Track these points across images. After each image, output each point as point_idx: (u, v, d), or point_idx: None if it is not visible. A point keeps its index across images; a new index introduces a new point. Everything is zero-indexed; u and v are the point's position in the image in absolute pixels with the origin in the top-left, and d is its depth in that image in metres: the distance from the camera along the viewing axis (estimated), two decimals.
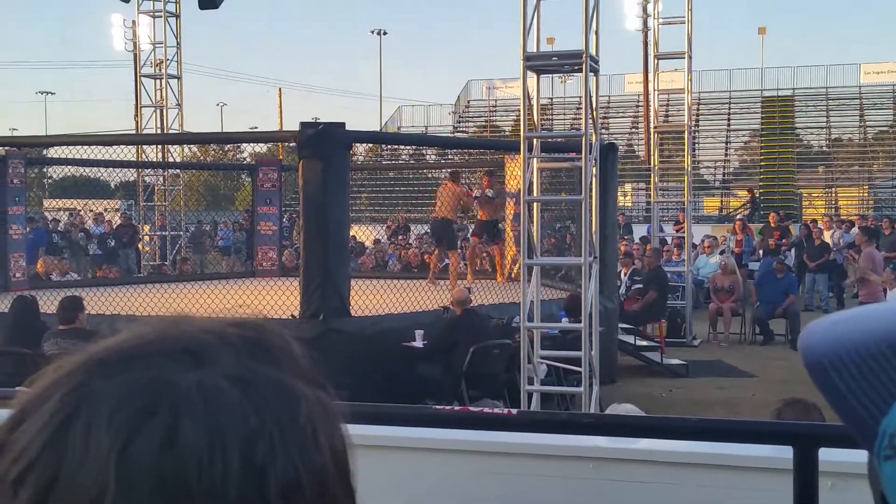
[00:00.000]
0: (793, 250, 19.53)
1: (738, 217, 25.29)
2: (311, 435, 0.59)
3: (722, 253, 17.90)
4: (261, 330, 0.64)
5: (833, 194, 36.24)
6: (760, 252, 19.73)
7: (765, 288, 14.78)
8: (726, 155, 40.79)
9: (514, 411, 3.64)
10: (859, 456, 0.91)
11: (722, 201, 36.73)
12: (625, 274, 15.30)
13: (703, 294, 16.62)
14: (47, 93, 73.12)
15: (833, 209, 33.78)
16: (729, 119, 42.10)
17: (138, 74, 22.41)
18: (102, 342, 0.62)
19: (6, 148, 13.09)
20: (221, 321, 0.64)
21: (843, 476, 1.92)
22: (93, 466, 0.54)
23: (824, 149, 40.52)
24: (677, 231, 18.76)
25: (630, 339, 12.52)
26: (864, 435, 0.80)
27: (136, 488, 0.54)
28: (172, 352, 0.60)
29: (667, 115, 27.82)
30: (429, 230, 16.18)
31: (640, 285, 14.45)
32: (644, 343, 12.84)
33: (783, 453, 1.89)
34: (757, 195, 31.12)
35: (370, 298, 10.02)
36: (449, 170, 15.10)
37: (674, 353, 12.74)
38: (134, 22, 22.05)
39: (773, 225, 21.25)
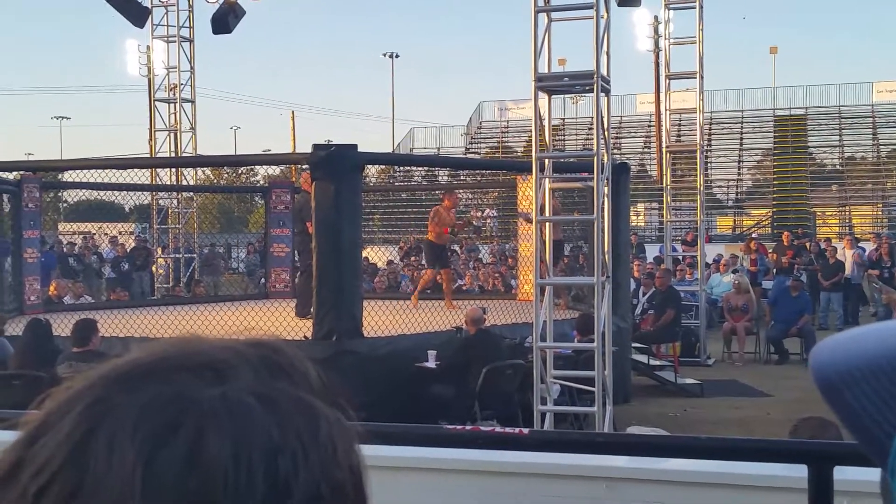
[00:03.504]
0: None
1: (751, 236, 25.19)
2: (331, 452, 0.59)
3: (735, 272, 17.80)
4: (277, 349, 0.64)
5: (847, 212, 36.11)
6: (774, 271, 19.65)
7: (779, 307, 14.70)
8: (739, 174, 40.71)
9: (525, 431, 3.62)
10: (874, 474, 0.90)
11: (735, 220, 36.63)
12: (644, 294, 15.22)
13: (716, 313, 16.54)
14: (62, 117, 73.59)
15: (847, 227, 33.65)
16: (741, 138, 42.04)
17: (152, 99, 22.51)
18: (120, 359, 0.61)
19: (21, 172, 13.16)
20: (237, 341, 0.64)
21: (859, 495, 1.90)
22: (116, 480, 0.54)
23: (838, 167, 40.38)
24: (685, 251, 18.67)
25: (643, 358, 12.46)
26: (876, 452, 0.79)
27: (161, 502, 0.54)
28: (193, 367, 0.59)
29: (679, 135, 27.78)
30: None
31: (653, 310, 14.31)
32: (658, 363, 12.77)
33: (798, 472, 1.87)
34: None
35: (383, 319, 10.02)
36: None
37: (688, 373, 12.67)
38: (148, 47, 22.16)
39: (786, 244, 21.17)
